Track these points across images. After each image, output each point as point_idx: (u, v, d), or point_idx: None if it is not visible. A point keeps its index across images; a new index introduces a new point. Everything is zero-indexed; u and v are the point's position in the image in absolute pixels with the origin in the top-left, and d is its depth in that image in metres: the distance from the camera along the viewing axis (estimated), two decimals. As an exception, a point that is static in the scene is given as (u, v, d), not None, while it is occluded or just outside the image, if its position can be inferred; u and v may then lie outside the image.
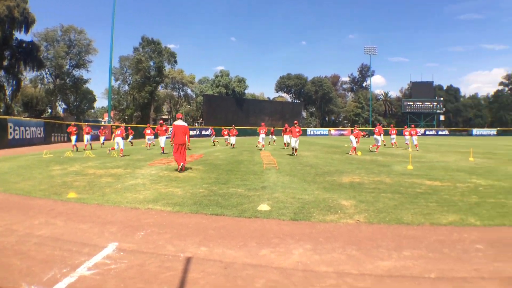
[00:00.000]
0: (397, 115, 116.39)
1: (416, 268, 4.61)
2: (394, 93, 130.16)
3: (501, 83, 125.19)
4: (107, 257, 4.99)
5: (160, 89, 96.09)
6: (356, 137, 23.87)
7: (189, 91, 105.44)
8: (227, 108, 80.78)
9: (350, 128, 32.94)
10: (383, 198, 8.73)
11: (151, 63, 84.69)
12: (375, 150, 25.41)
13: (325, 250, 5.20)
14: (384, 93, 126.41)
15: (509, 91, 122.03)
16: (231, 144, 31.72)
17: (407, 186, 10.58)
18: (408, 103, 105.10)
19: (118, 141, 20.92)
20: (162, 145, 24.56)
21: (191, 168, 14.50)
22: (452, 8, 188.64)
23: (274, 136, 38.91)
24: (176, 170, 13.56)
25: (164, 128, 25.18)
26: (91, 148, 27.27)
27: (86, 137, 28.90)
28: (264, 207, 7.61)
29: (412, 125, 31.56)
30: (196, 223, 6.70)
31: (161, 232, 6.13)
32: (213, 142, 37.19)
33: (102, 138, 33.63)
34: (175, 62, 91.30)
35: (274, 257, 4.98)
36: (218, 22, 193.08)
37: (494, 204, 8.19)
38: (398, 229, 6.35)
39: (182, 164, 13.57)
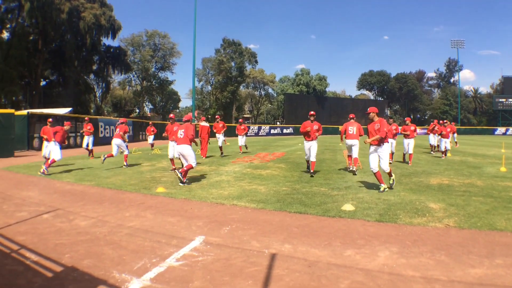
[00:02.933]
0: (488, 112, 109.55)
1: (508, 277, 4.36)
2: (484, 89, 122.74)
3: None
4: (194, 249, 5.19)
5: (242, 89, 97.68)
6: None
7: (270, 90, 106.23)
8: (308, 106, 79.97)
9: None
10: (474, 202, 8.27)
11: (233, 63, 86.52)
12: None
13: (412, 254, 5.04)
14: (474, 89, 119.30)
15: None
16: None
17: (501, 189, 9.94)
18: (500, 100, 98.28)
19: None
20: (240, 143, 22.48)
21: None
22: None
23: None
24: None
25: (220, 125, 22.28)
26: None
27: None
28: (348, 207, 7.52)
29: (444, 121, 23.65)
30: (280, 221, 6.77)
31: (246, 228, 6.26)
32: None
33: (150, 138, 27.11)
34: (256, 62, 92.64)
35: (359, 258, 4.91)
36: (298, 20, 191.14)
37: None
38: (490, 235, 6.00)
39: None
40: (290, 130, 67.88)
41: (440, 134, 20.25)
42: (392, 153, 15.71)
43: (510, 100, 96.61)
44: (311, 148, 12.39)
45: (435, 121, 24.91)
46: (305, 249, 5.24)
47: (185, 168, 10.59)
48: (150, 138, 26.71)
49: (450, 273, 4.46)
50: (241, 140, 21.76)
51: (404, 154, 17.11)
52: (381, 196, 8.79)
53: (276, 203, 8.07)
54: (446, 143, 19.68)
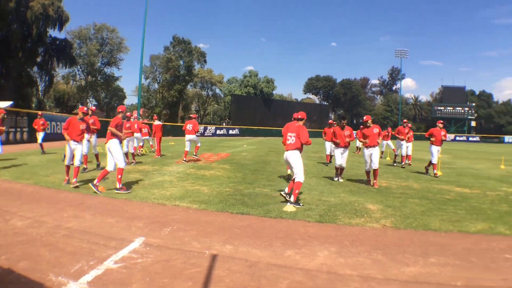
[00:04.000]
0: (427, 119, 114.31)
1: (442, 276, 4.57)
2: (424, 97, 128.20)
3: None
4: (133, 251, 5.09)
5: (189, 88, 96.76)
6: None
7: (217, 91, 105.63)
8: (255, 108, 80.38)
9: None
10: (410, 204, 8.64)
11: (181, 62, 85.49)
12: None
13: (350, 254, 5.17)
14: (414, 97, 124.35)
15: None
16: None
17: (436, 192, 10.43)
18: (439, 108, 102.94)
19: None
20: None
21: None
22: (486, 12, 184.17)
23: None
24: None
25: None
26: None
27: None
28: (289, 208, 7.61)
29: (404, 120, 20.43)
30: (221, 221, 6.76)
31: (187, 229, 6.21)
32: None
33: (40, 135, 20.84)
34: (205, 61, 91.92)
35: (299, 258, 4.98)
36: (249, 23, 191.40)
37: (525, 214, 8.01)
38: (425, 235, 6.28)
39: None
40: (236, 131, 67.81)
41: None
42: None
43: (448, 108, 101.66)
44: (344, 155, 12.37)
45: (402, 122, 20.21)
46: (246, 250, 5.25)
47: (196, 150, 16.57)
48: (40, 136, 20.47)
49: (386, 271, 4.61)
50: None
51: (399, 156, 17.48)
52: (321, 197, 8.98)
53: (219, 204, 8.05)
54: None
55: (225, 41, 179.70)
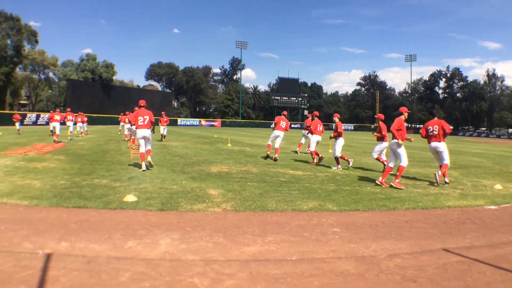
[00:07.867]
0: (265, 108, 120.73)
1: (279, 252, 4.84)
2: (263, 87, 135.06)
3: (358, 84, 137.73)
4: (-50, 258, 4.49)
5: (19, 71, 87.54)
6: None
7: (51, 75, 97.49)
8: (94, 95, 75.96)
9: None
10: (249, 187, 9.04)
11: (9, 41, 76.36)
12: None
13: (192, 239, 5.22)
14: (254, 86, 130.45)
15: (365, 91, 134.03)
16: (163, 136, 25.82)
17: (272, 175, 11.07)
18: (276, 98, 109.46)
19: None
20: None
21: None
22: (318, 12, 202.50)
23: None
24: None
25: None
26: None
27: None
28: (130, 198, 7.39)
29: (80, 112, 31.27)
30: (56, 217, 6.29)
31: (17, 229, 5.64)
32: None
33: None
34: (36, 41, 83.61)
35: (141, 248, 4.87)
36: (86, 0, 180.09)
37: (349, 191, 8.94)
38: (263, 216, 6.62)
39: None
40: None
41: None
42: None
43: (284, 98, 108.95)
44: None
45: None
46: (83, 245, 4.96)
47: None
48: None
49: (227, 253, 4.75)
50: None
51: None
52: (163, 186, 8.93)
53: (53, 199, 7.44)
54: None
55: (60, 19, 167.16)
